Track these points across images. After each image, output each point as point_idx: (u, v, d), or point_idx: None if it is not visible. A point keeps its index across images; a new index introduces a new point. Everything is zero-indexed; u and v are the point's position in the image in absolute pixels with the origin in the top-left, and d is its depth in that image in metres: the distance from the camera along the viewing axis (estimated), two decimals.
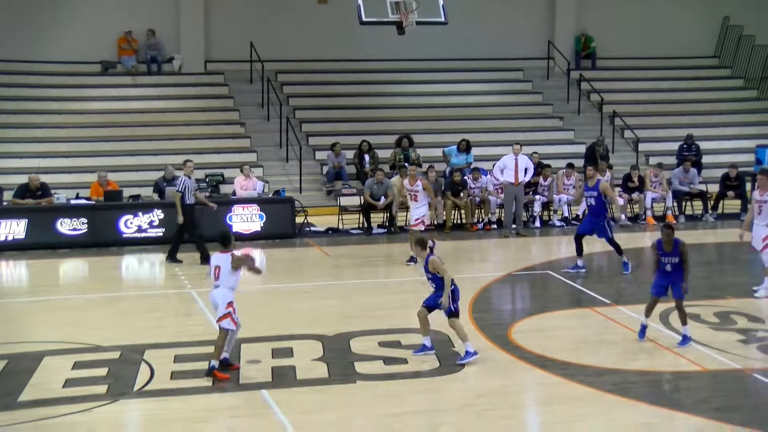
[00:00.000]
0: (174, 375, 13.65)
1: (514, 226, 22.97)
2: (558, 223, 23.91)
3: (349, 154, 25.75)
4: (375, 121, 28.40)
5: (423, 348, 14.51)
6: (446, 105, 29.38)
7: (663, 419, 12.50)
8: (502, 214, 23.48)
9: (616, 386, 13.20)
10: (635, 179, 24.48)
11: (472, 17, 30.06)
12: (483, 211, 23.85)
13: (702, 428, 12.03)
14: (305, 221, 23.27)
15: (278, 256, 20.65)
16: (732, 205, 24.96)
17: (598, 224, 19.12)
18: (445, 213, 23.36)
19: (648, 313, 14.89)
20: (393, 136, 26.37)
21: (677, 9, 32.41)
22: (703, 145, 27.28)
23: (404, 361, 14.32)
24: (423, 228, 19.56)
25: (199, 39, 29.49)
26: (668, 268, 14.45)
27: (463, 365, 13.98)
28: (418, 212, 19.80)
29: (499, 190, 23.61)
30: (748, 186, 25.38)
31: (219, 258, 13.61)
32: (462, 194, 23.56)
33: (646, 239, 22.72)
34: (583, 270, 19.20)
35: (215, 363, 13.44)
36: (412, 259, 19.21)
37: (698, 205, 25.13)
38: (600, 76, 31.03)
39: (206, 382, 13.40)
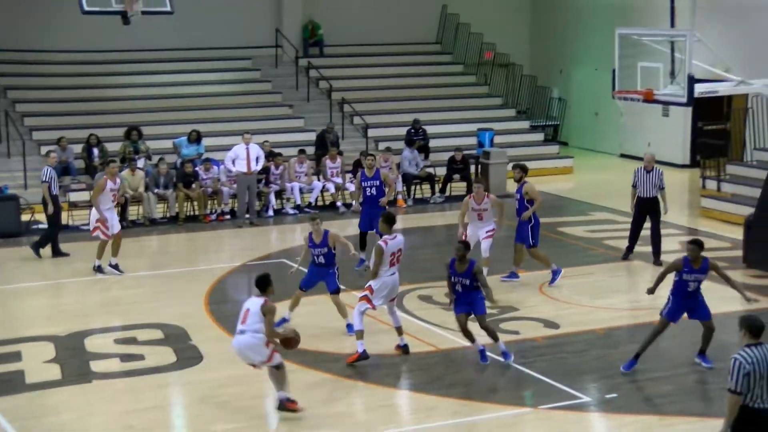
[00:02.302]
0: None
1: (247, 215, 22.96)
2: (291, 211, 24.04)
3: (77, 148, 25.01)
4: (102, 114, 27.66)
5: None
6: (175, 95, 28.97)
7: (400, 400, 12.86)
8: (236, 205, 23.42)
9: (354, 371, 13.47)
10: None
11: (199, 6, 29.72)
12: (216, 201, 23.71)
13: (434, 405, 12.46)
14: (32, 218, 22.46)
15: (4, 256, 19.88)
16: (458, 187, 25.80)
17: (378, 214, 18.42)
18: (177, 205, 23.08)
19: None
20: (122, 128, 25.77)
21: None
22: (429, 129, 28.03)
23: (141, 357, 14.13)
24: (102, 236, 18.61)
25: None
26: (459, 288, 13.79)
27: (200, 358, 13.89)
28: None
29: (232, 181, 23.52)
30: (473, 168, 26.32)
31: (252, 302, 12.13)
32: (194, 185, 23.33)
33: None
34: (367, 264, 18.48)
35: (285, 394, 12.23)
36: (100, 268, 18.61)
37: (427, 188, 25.82)
38: (328, 64, 31.35)
39: None
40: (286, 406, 12.17)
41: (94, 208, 18.53)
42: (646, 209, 18.99)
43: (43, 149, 25.64)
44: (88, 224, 22.20)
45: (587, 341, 14.85)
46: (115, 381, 13.31)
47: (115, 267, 18.64)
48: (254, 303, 12.05)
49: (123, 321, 15.83)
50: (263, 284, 12.13)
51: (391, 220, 14.17)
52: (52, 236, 20.06)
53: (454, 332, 14.97)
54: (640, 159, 29.77)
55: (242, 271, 19.11)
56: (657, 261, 18.85)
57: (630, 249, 19.35)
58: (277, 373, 12.18)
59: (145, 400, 12.70)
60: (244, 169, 22.73)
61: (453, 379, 13.24)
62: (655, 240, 19.00)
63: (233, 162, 22.99)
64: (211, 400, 12.62)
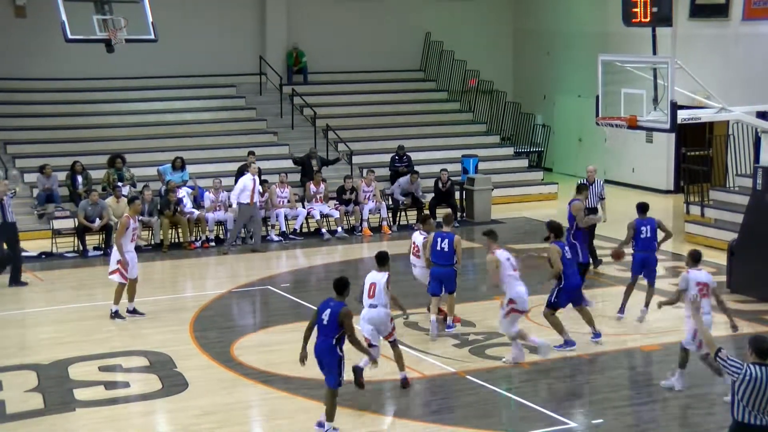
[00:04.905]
0: None
1: (250, 241, 23.02)
2: (276, 238, 23.99)
3: (61, 176, 24.96)
4: (86, 141, 27.62)
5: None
6: (160, 123, 28.95)
7: (386, 427, 12.82)
8: (221, 232, 23.34)
9: (340, 397, 13.37)
10: (349, 191, 24.88)
11: (183, 34, 29.74)
12: (200, 229, 23.64)
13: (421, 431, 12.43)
14: None
15: None
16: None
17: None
18: (162, 232, 23.01)
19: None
20: (105, 155, 25.75)
21: (383, 24, 33.26)
22: (414, 156, 28.05)
23: (126, 385, 14.08)
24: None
25: None
26: None
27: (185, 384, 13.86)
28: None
29: (217, 207, 23.46)
30: (457, 195, 26.27)
31: (375, 276, 13.58)
32: (173, 208, 23.17)
33: (364, 251, 23.20)
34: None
35: (405, 374, 13.67)
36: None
37: (412, 214, 25.71)
38: (312, 91, 31.38)
39: None
40: (407, 383, 13.62)
41: (114, 248, 17.38)
42: None
43: (27, 177, 25.62)
44: (75, 252, 22.36)
45: (573, 366, 14.85)
46: (99, 409, 13.23)
47: (134, 311, 17.50)
48: (379, 278, 13.47)
49: (108, 348, 15.74)
50: (383, 259, 13.67)
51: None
52: (9, 263, 19.74)
53: (440, 357, 14.98)
54: (625, 185, 30.31)
55: (227, 297, 19.06)
56: (595, 265, 20.36)
57: (594, 259, 20.37)
58: (395, 351, 13.63)
59: (130, 428, 12.65)
60: (248, 200, 22.67)
61: (440, 405, 13.22)
62: (591, 246, 19.98)
63: (239, 194, 22.87)
64: (194, 429, 12.57)
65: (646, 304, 17.02)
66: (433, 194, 25.89)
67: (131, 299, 17.44)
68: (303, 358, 12.34)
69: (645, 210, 17.22)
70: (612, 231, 20.82)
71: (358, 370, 13.21)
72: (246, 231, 23.47)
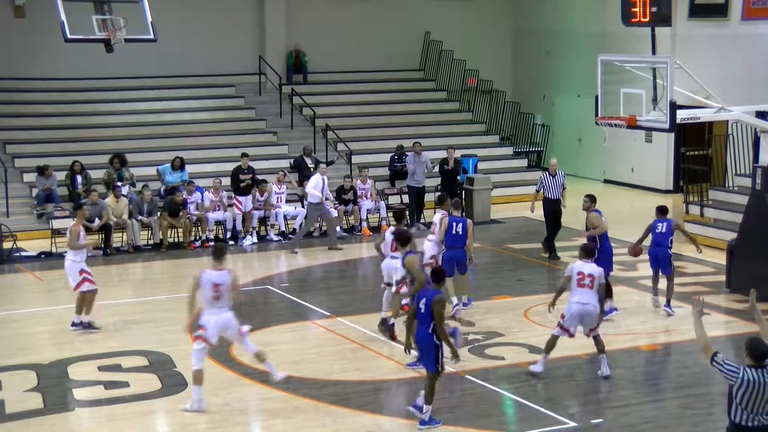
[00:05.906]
0: None
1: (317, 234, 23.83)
2: (275, 238, 23.97)
3: (60, 176, 24.96)
4: (86, 141, 27.63)
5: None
6: (159, 122, 28.95)
7: (385, 425, 12.82)
8: (221, 231, 23.35)
9: (338, 397, 13.45)
10: (348, 191, 24.87)
11: (182, 34, 29.74)
12: (200, 229, 23.62)
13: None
14: (14, 246, 22.37)
15: None
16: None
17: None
18: (161, 232, 23.00)
19: None
20: (105, 155, 25.76)
21: (383, 24, 33.26)
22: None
23: (126, 384, 14.07)
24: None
25: None
26: None
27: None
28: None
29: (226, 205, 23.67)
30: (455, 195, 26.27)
31: (390, 232, 15.59)
32: (181, 214, 23.15)
33: (363, 250, 23.19)
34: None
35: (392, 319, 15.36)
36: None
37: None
38: (312, 91, 31.37)
39: None
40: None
41: (68, 264, 16.55)
42: (552, 209, 21.85)
43: (27, 177, 25.61)
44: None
45: (572, 366, 14.84)
46: (98, 409, 13.24)
47: (82, 324, 16.60)
48: (390, 233, 15.54)
49: (107, 348, 15.73)
50: (400, 216, 16.52)
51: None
52: None
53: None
54: (624, 185, 30.35)
55: None
56: (553, 255, 21.78)
57: (552, 248, 21.87)
58: (393, 296, 15.48)
59: (130, 427, 12.64)
60: (317, 200, 22.85)
61: (437, 405, 13.19)
62: (552, 240, 21.74)
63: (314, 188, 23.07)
64: (194, 428, 12.56)
65: (668, 301, 17.45)
66: (439, 179, 26.20)
67: (88, 311, 16.64)
68: (408, 347, 13.15)
69: (664, 212, 17.93)
70: (613, 232, 20.68)
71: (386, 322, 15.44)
72: (319, 228, 24.10)
